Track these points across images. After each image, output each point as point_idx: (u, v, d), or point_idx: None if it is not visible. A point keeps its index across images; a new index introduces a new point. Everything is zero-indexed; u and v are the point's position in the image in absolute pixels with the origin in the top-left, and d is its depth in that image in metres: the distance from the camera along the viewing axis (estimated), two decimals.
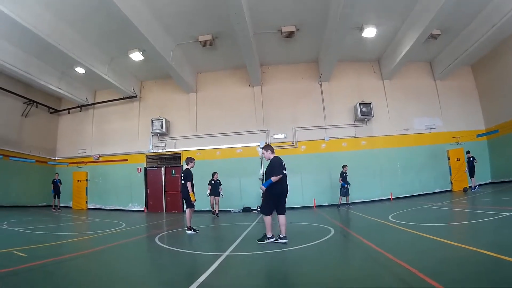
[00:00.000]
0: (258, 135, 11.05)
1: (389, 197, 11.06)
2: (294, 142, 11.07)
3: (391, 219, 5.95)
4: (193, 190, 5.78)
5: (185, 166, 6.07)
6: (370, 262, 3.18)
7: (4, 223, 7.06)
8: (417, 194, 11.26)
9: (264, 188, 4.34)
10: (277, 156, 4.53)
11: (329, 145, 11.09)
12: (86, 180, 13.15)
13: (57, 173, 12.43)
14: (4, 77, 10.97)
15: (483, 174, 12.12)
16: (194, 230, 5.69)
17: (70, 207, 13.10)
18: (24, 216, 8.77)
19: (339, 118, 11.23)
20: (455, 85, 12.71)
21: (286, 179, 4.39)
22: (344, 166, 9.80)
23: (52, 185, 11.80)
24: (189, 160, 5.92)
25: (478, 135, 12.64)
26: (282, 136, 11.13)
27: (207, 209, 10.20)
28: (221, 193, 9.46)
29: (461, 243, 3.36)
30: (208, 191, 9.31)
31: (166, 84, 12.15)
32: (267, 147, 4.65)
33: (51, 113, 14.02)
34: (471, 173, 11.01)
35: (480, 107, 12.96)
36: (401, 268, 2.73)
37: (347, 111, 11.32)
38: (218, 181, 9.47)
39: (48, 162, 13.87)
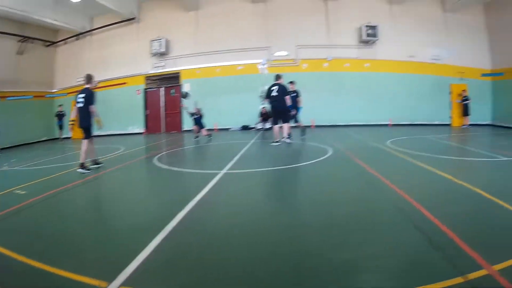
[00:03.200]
0: (260, 52, 10.78)
1: (388, 122, 11.04)
2: (296, 60, 10.85)
3: (389, 145, 5.87)
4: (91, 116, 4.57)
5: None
6: (367, 185, 3.18)
7: (5, 164, 6.54)
8: (416, 123, 11.23)
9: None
10: (273, 84, 6.15)
11: (331, 65, 10.88)
12: None
13: (61, 104, 12.30)
14: None
15: (484, 115, 12.03)
16: (88, 169, 4.51)
17: (70, 138, 13.15)
18: (24, 153, 8.49)
19: (343, 38, 10.92)
20: (465, 20, 12.26)
21: (280, 100, 5.96)
22: (291, 82, 7.48)
23: (56, 117, 11.84)
24: (89, 77, 4.73)
25: (483, 74, 12.42)
26: (284, 53, 10.88)
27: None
28: (204, 132, 8.24)
29: (456, 178, 3.30)
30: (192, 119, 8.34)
31: (166, 3, 11.72)
32: (279, 76, 6.26)
33: (48, 46, 13.67)
34: (465, 112, 11.00)
35: (488, 46, 12.61)
36: (397, 194, 2.70)
37: (352, 32, 10.99)
38: (199, 116, 8.28)
39: (46, 96, 13.74)
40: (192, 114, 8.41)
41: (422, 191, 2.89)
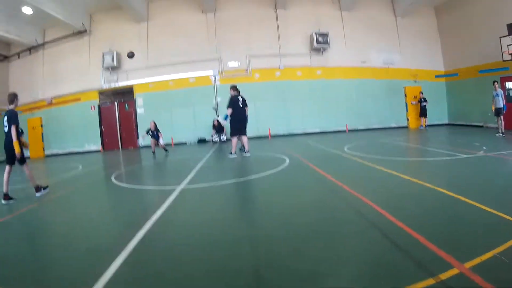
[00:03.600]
0: (212, 62, 10.74)
1: (344, 128, 11.23)
2: (248, 70, 10.87)
3: (346, 150, 5.92)
4: (18, 138, 4.02)
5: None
6: (325, 192, 3.16)
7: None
8: (373, 128, 11.49)
9: (224, 121, 6.16)
10: (236, 95, 6.07)
11: (283, 74, 10.97)
12: (41, 126, 12.61)
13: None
14: None
15: (440, 115, 12.47)
16: (44, 188, 4.27)
17: (28, 157, 12.66)
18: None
19: (294, 46, 11.04)
20: (417, 23, 12.67)
21: (243, 111, 6.05)
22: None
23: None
24: (14, 96, 4.24)
25: (437, 76, 12.87)
26: (236, 64, 10.88)
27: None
28: (162, 142, 8.15)
29: (416, 178, 3.33)
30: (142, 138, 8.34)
31: (117, 15, 11.45)
32: (232, 87, 6.23)
33: (1, 61, 13.12)
34: (422, 113, 11.36)
35: (441, 49, 13.08)
36: (355, 199, 2.71)
37: (303, 40, 11.12)
38: (155, 131, 8.03)
39: (2, 113, 13.16)
40: (148, 131, 8.17)
41: (382, 194, 2.90)
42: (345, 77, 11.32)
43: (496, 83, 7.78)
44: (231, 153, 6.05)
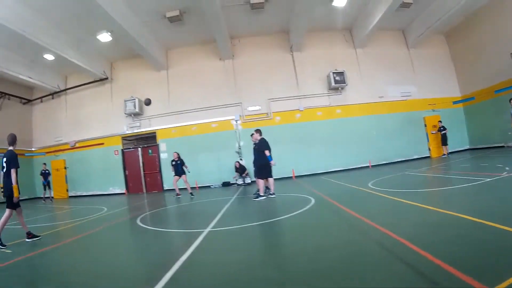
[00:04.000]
0: (233, 108, 10.95)
1: (368, 164, 11.20)
2: (269, 114, 11.03)
3: (371, 186, 5.93)
4: (17, 182, 3.98)
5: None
6: (350, 229, 3.21)
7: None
8: (396, 161, 11.43)
9: (273, 162, 6.07)
10: (263, 137, 6.18)
11: (304, 115, 11.10)
12: (65, 168, 12.91)
13: (45, 163, 12.00)
14: None
15: (461, 141, 12.40)
16: (34, 236, 4.11)
17: (52, 197, 12.91)
18: (2, 212, 8.46)
19: (312, 87, 11.21)
20: (429, 53, 12.81)
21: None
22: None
23: (41, 176, 11.55)
24: (14, 137, 4.19)
25: (454, 102, 12.85)
26: (257, 108, 11.06)
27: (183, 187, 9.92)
28: (188, 170, 8.69)
29: (439, 207, 3.35)
30: (173, 171, 8.71)
31: (137, 64, 11.87)
32: (257, 130, 6.32)
33: (24, 104, 13.62)
34: (443, 141, 11.28)
35: (455, 74, 13.15)
36: (380, 233, 2.75)
37: (321, 81, 11.30)
38: (179, 161, 8.59)
39: (26, 154, 13.54)
40: (172, 162, 8.57)
41: (407, 227, 2.89)
42: (364, 114, 11.40)
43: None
44: (259, 195, 5.99)
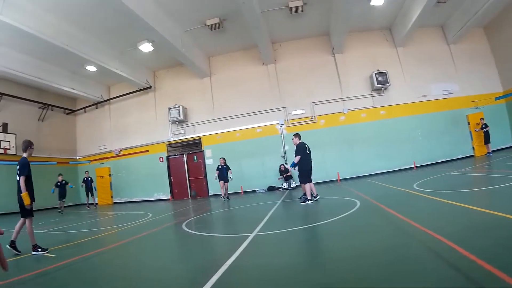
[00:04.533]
0: (277, 112, 11.09)
1: (412, 165, 11.03)
2: (313, 117, 11.08)
3: (416, 188, 5.86)
4: (28, 189, 3.87)
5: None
6: (396, 232, 3.17)
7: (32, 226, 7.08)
8: (440, 161, 11.20)
9: (290, 168, 6.47)
10: (302, 142, 6.20)
11: (348, 117, 11.07)
12: (110, 175, 13.44)
13: (87, 171, 12.48)
14: (16, 85, 11.16)
15: (504, 138, 11.97)
16: (42, 249, 3.88)
17: (97, 204, 13.49)
18: (51, 218, 8.84)
19: (355, 89, 11.17)
20: (469, 48, 12.46)
21: (309, 157, 6.18)
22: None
23: (83, 183, 12.01)
24: (28, 144, 4.09)
25: (497, 98, 12.43)
26: (301, 111, 11.14)
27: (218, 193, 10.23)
28: (230, 176, 9.30)
29: (487, 208, 3.28)
30: (216, 175, 9.27)
31: (179, 72, 12.23)
32: (296, 135, 6.34)
33: (67, 114, 14.32)
34: (486, 140, 10.94)
35: (496, 69, 12.69)
36: (427, 236, 2.71)
37: (364, 82, 11.24)
38: (225, 166, 9.30)
39: (70, 162, 14.24)
40: (218, 167, 9.07)
41: (453, 228, 2.85)
42: (408, 114, 11.24)
43: None
44: (306, 199, 6.02)
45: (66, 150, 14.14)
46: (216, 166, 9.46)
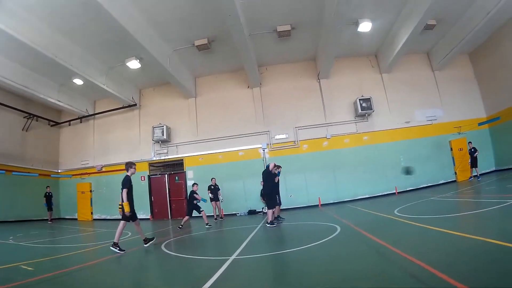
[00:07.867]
0: (260, 136, 11.03)
1: (394, 191, 11.01)
2: (296, 142, 11.05)
3: (397, 213, 5.90)
4: (129, 200, 4.96)
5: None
6: (377, 258, 3.16)
7: (10, 237, 7.02)
8: (422, 186, 11.21)
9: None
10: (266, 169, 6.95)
11: (331, 143, 11.06)
12: (90, 191, 13.16)
13: (48, 186, 12.19)
14: (3, 92, 10.99)
15: (487, 163, 12.07)
16: (120, 249, 4.74)
17: (76, 219, 13.14)
18: (30, 230, 8.77)
19: (340, 114, 11.21)
20: (454, 74, 12.68)
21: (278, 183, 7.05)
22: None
23: (44, 198, 11.61)
24: (129, 165, 5.24)
25: (480, 123, 12.58)
26: (284, 136, 11.11)
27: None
28: (221, 198, 9.61)
29: (468, 233, 3.31)
30: (210, 195, 9.47)
31: (165, 91, 12.16)
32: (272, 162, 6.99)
33: (52, 126, 14.07)
34: (474, 164, 10.99)
35: (480, 95, 12.92)
36: (408, 262, 2.71)
37: (348, 107, 11.29)
38: (216, 186, 9.59)
39: (52, 175, 13.91)
40: (210, 187, 9.34)
41: (433, 254, 2.87)
42: (391, 140, 11.28)
43: None
44: (272, 224, 6.46)
45: (49, 163, 13.82)
46: (208, 186, 9.47)
